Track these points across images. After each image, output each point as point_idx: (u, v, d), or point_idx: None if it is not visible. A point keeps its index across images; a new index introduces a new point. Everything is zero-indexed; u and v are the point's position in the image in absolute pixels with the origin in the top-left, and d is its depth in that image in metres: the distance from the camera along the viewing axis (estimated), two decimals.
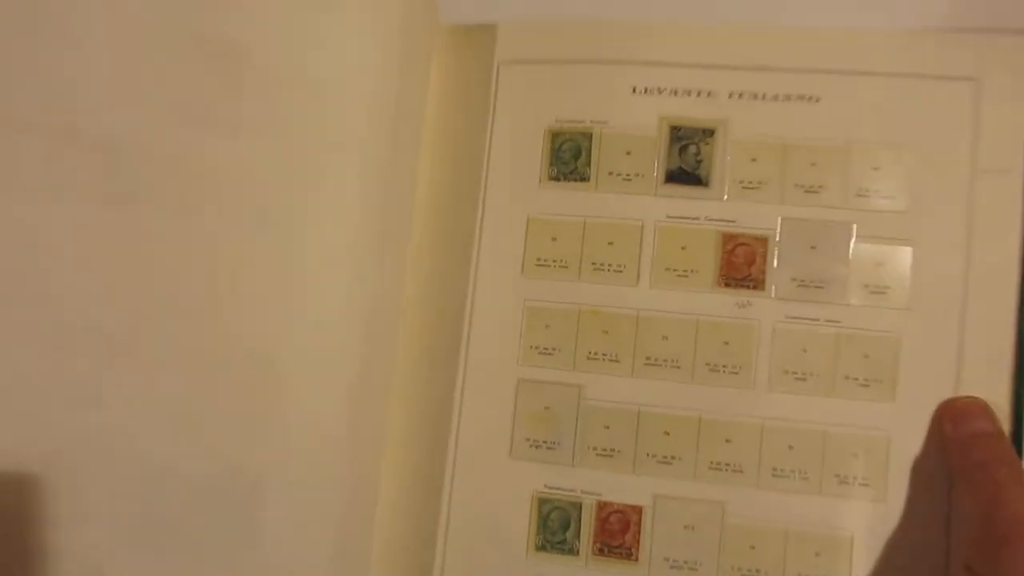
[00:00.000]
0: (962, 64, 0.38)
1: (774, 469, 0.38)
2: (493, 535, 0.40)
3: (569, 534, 0.39)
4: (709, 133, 0.40)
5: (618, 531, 0.39)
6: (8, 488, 0.32)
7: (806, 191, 0.39)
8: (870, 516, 0.37)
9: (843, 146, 0.39)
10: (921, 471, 0.37)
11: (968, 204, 0.38)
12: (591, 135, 0.41)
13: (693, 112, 0.40)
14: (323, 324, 0.39)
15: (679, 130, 0.40)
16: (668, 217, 0.40)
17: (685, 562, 0.38)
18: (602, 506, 0.39)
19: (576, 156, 0.41)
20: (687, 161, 0.40)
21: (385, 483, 0.41)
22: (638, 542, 0.39)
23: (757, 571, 0.38)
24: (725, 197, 0.40)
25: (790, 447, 0.38)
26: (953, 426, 0.36)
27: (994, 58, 0.38)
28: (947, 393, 0.37)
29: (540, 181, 0.41)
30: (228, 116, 0.37)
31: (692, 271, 0.40)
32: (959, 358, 0.37)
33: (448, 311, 0.42)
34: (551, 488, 0.40)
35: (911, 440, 0.37)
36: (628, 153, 0.41)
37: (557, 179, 0.41)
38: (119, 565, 0.34)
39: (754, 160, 0.40)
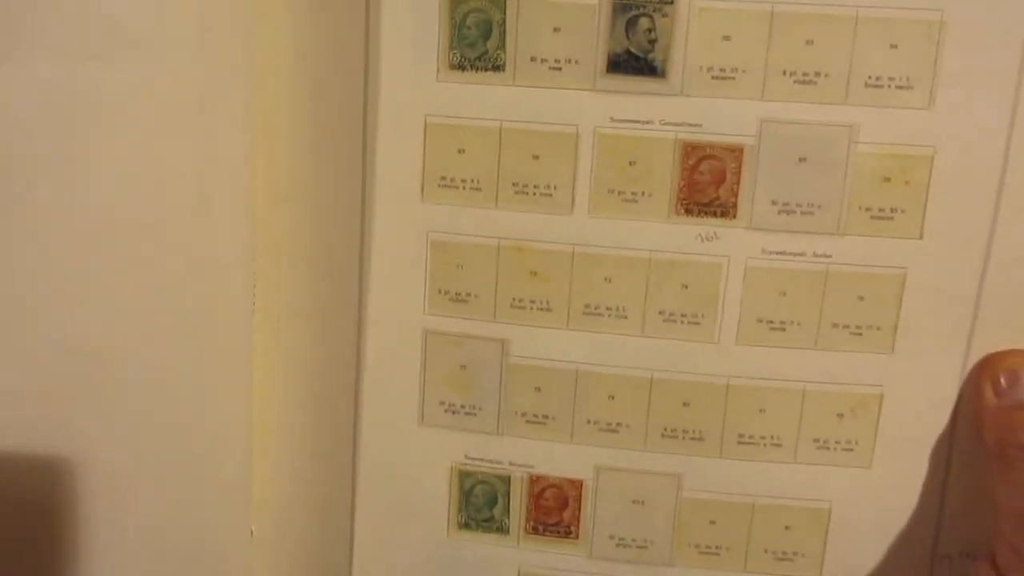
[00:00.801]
0: None
1: (740, 436, 0.31)
2: (408, 514, 0.33)
3: (497, 511, 0.33)
4: None
5: (555, 508, 0.33)
6: None
7: (797, 81, 0.29)
8: (852, 484, 0.31)
9: (851, 13, 0.28)
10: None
11: (1016, 96, 0.28)
12: (504, 3, 0.29)
13: None
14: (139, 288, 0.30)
15: None
16: (612, 121, 0.30)
17: (633, 540, 0.32)
18: (535, 480, 0.33)
19: (485, 34, 0.30)
20: (637, 41, 0.29)
21: (279, 462, 0.34)
22: (578, 520, 0.32)
23: (718, 548, 0.32)
24: (688, 92, 0.29)
25: (761, 410, 0.31)
26: (999, 391, 0.29)
27: None
28: (960, 342, 0.30)
29: (438, 71, 0.30)
30: None
31: (643, 193, 0.30)
32: (977, 299, 0.29)
33: (335, 248, 0.32)
34: (473, 459, 0.33)
35: (910, 397, 0.30)
36: (556, 30, 0.29)
37: (461, 67, 0.30)
38: None
39: (728, 38, 0.29)
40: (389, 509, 0.33)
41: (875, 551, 0.31)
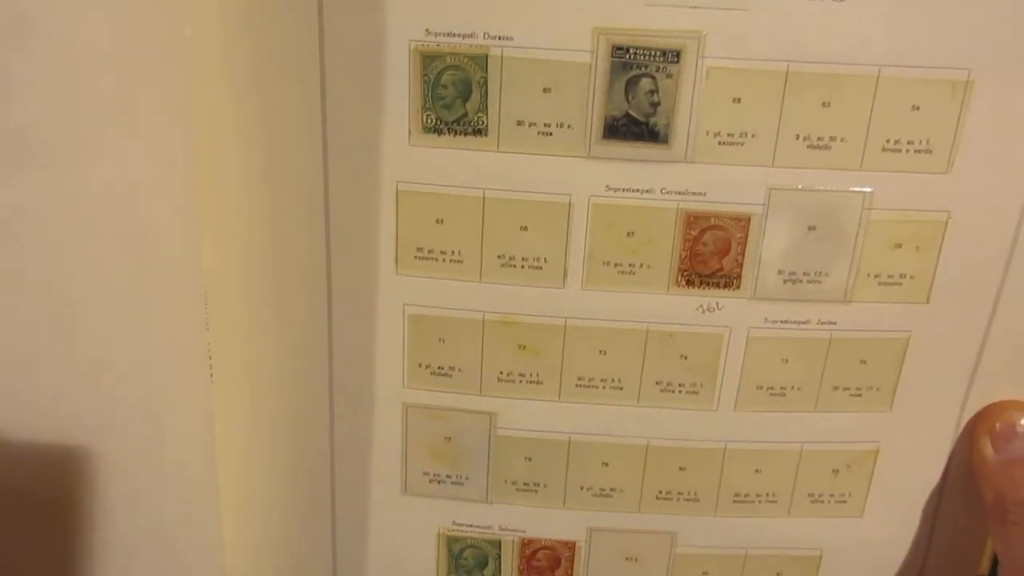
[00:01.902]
0: None
1: (736, 495, 0.31)
2: None
3: (488, 572, 0.32)
4: (672, 57, 0.25)
5: (547, 568, 0.32)
6: None
7: (811, 146, 0.26)
8: (843, 532, 0.31)
9: (871, 73, 0.25)
10: None
11: None
12: (486, 60, 0.25)
13: (648, 22, 0.25)
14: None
15: (626, 52, 0.25)
16: (608, 189, 0.27)
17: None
18: (527, 543, 0.32)
19: (464, 95, 0.26)
20: (638, 104, 0.26)
21: (261, 541, 0.32)
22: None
23: None
24: (692, 159, 0.26)
25: (757, 470, 0.30)
26: (997, 445, 0.28)
27: None
28: (957, 398, 0.29)
29: (410, 134, 0.26)
30: None
31: (641, 265, 0.28)
32: (978, 358, 0.29)
33: (302, 321, 0.29)
34: (461, 526, 0.31)
35: (905, 451, 0.30)
36: (546, 91, 0.26)
37: (437, 131, 0.26)
38: None
39: (738, 100, 0.26)
40: None
41: None
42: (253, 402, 0.30)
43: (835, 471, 0.30)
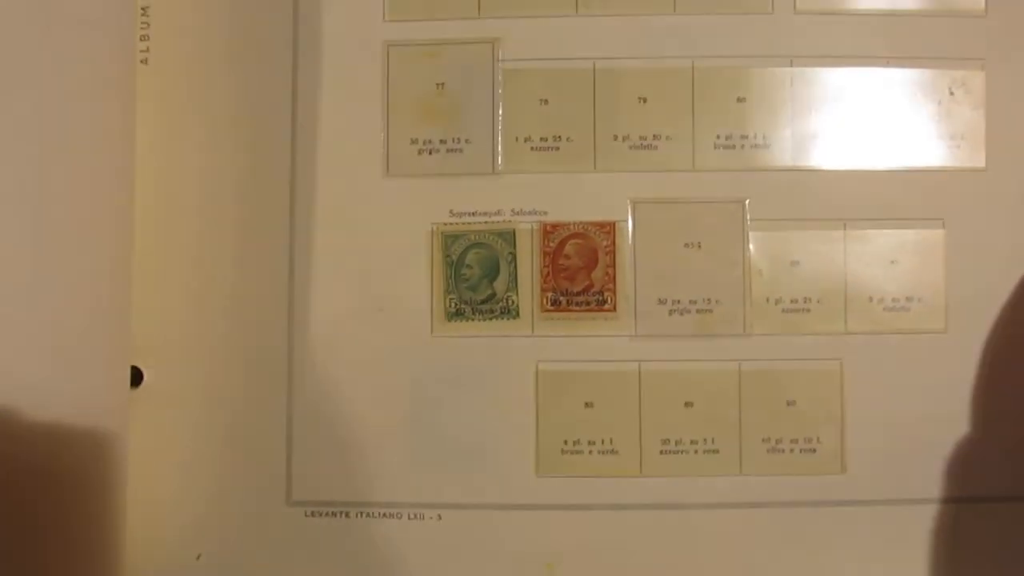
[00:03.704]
0: None
1: (814, 135, 0.24)
2: (374, 308, 0.24)
3: (499, 285, 0.24)
4: None
5: (581, 267, 0.24)
6: None
7: None
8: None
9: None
10: None
11: None
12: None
13: None
14: None
15: None
16: None
17: (692, 302, 0.23)
18: (550, 231, 0.24)
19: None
20: None
21: (178, 251, 0.24)
22: (614, 280, 0.24)
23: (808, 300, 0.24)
24: None
25: None
26: None
27: None
28: None
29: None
30: None
31: None
32: None
33: None
34: (461, 216, 0.24)
35: None
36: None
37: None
38: None
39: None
40: (346, 302, 0.23)
41: None
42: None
43: None
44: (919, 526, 0.23)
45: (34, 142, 0.21)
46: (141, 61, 0.23)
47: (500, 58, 0.24)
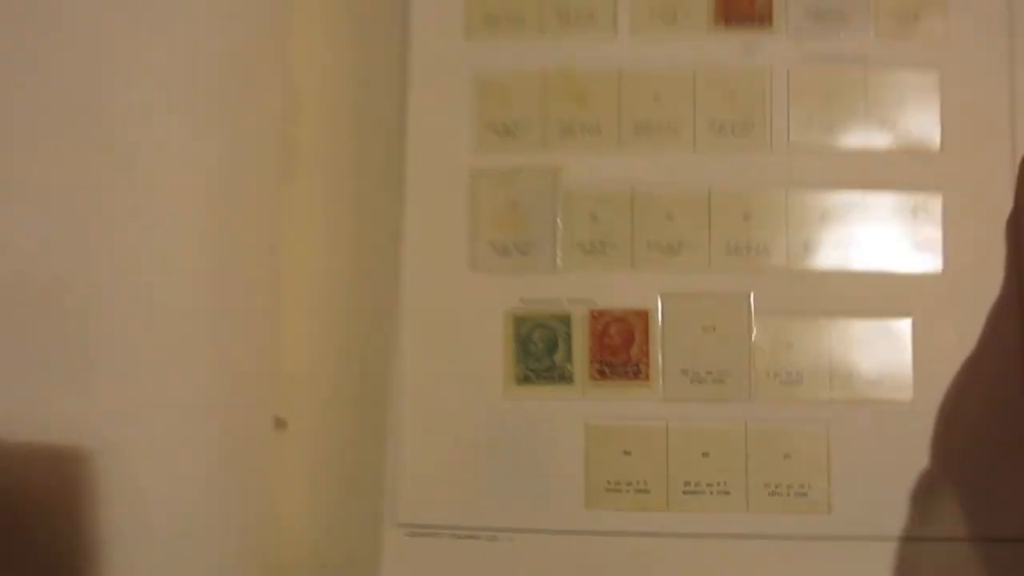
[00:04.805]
0: None
1: (806, 244, 0.30)
2: (460, 373, 0.30)
3: (558, 357, 0.30)
4: None
5: (621, 346, 0.30)
6: None
7: None
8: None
9: None
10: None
11: None
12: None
13: None
14: None
15: None
16: None
17: (708, 373, 0.30)
18: (597, 316, 0.30)
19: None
20: None
21: (311, 322, 0.31)
22: (647, 355, 0.30)
23: (799, 375, 0.30)
24: None
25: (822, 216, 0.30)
26: None
27: None
28: None
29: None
30: None
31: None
32: None
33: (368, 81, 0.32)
34: (529, 302, 0.31)
35: None
36: None
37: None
38: None
39: None
40: (440, 372, 0.30)
41: None
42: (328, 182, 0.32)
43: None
44: (891, 559, 0.29)
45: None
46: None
47: (560, 183, 0.31)
